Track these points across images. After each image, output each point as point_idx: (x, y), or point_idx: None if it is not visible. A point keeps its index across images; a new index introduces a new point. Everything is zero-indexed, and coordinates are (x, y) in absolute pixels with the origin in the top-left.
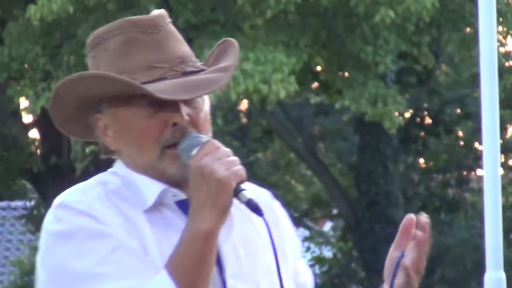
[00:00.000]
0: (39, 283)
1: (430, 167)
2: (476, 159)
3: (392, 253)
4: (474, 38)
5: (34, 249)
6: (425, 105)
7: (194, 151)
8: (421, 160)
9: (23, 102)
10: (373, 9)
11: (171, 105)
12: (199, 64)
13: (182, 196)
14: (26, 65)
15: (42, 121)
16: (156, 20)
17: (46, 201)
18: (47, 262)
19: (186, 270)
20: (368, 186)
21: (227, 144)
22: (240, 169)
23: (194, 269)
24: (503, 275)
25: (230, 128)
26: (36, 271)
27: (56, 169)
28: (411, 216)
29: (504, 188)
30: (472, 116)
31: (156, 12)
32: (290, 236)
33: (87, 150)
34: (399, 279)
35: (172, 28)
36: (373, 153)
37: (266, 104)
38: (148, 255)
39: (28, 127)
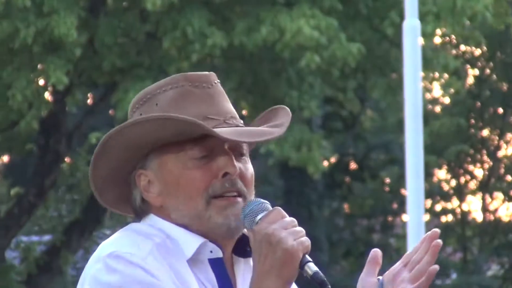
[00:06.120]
0: None
1: (355, 212)
2: (402, 205)
3: (366, 279)
4: (399, 84)
5: None
6: (351, 150)
7: (259, 217)
8: (346, 205)
9: None
10: (298, 54)
11: (223, 156)
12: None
13: (219, 254)
14: None
15: None
16: (208, 76)
17: None
18: None
19: None
20: None
21: None
22: (307, 240)
23: None
24: None
25: None
26: None
27: None
28: (376, 250)
29: None
30: (397, 162)
31: (205, 73)
32: None
33: (12, 191)
34: None
35: (221, 88)
36: (298, 197)
37: None
38: None
39: None
